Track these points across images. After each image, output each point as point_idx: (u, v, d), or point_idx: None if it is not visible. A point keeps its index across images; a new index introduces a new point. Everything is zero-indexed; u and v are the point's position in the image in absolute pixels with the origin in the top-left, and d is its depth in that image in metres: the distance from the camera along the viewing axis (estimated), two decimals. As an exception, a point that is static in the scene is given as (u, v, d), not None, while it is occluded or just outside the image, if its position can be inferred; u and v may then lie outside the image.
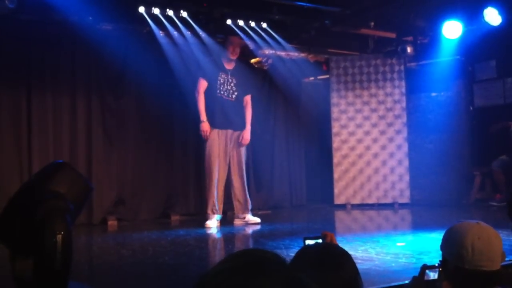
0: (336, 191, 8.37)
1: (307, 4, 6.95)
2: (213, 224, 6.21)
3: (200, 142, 7.65)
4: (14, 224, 2.35)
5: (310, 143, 9.17)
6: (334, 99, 8.51)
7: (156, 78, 7.15)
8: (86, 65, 6.88)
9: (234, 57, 6.51)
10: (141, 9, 6.53)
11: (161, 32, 6.86)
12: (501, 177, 7.60)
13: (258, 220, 6.45)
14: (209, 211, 6.26)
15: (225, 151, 6.39)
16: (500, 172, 7.60)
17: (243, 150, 6.50)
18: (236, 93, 6.49)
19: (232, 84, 6.49)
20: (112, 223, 6.81)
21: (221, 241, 5.45)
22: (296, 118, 8.85)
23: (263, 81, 8.38)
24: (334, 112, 8.47)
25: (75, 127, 6.78)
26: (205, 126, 6.30)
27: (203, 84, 6.38)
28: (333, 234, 1.88)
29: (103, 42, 6.51)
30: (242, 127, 6.50)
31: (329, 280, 1.52)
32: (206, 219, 6.27)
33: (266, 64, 8.25)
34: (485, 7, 6.97)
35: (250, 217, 6.45)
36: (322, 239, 2.01)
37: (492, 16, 6.95)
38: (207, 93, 6.40)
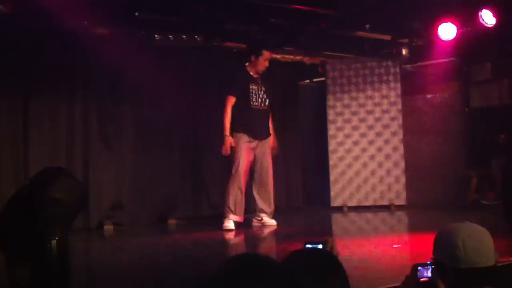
0: (332, 193, 8.38)
1: (303, 7, 6.96)
2: (231, 225, 6.23)
3: (198, 146, 7.67)
4: (11, 230, 2.35)
5: (307, 146, 9.17)
6: (330, 101, 8.52)
7: (153, 82, 7.15)
8: (83, 69, 6.87)
9: (263, 70, 6.56)
10: (137, 14, 6.52)
11: (157, 36, 6.85)
12: (499, 176, 7.62)
13: (275, 223, 6.49)
14: (229, 208, 6.27)
15: (254, 159, 6.45)
16: (498, 171, 7.62)
17: (270, 156, 6.60)
18: (267, 101, 6.56)
19: (263, 92, 6.52)
20: (108, 227, 6.79)
21: (218, 244, 5.45)
22: (293, 121, 8.85)
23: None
24: (330, 114, 8.49)
25: (72, 131, 6.77)
26: (228, 140, 6.29)
27: (231, 101, 6.39)
28: (334, 239, 1.88)
29: (99, 47, 6.51)
30: (268, 134, 6.60)
31: (321, 286, 1.52)
32: (224, 219, 6.28)
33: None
34: (480, 8, 6.98)
35: (267, 220, 6.49)
36: (323, 244, 2.01)
37: (487, 18, 6.96)
38: (241, 106, 6.39)
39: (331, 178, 8.39)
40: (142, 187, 7.19)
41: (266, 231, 6.29)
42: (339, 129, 8.43)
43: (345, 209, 8.25)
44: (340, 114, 8.45)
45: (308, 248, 1.81)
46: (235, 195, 6.23)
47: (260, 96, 6.50)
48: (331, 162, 8.41)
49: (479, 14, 6.95)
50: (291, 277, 0.98)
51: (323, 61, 8.68)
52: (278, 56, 8.06)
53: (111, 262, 4.75)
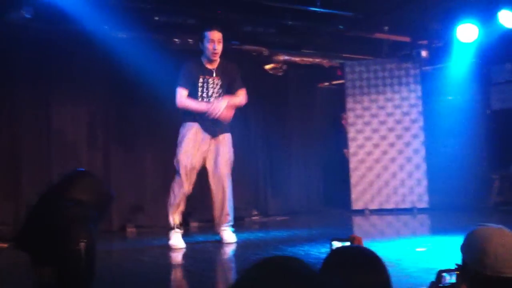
0: (353, 196, 8.33)
1: (320, 9, 6.95)
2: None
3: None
4: (37, 232, 2.37)
5: (326, 149, 9.15)
6: (350, 104, 8.49)
7: (172, 85, 7.18)
8: (103, 73, 6.92)
9: (215, 57, 5.58)
10: (157, 18, 6.56)
11: (176, 39, 6.88)
12: None
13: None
14: None
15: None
16: None
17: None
18: (222, 95, 5.65)
19: (218, 86, 5.66)
20: (131, 230, 6.84)
21: (240, 247, 5.44)
22: (312, 124, 8.84)
23: (278, 87, 8.38)
24: (350, 117, 8.45)
25: (93, 135, 6.84)
26: (208, 105, 5.50)
27: (182, 93, 5.57)
28: (361, 238, 1.85)
29: (119, 50, 6.57)
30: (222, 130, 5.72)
31: (362, 285, 1.49)
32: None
33: (281, 70, 8.24)
34: (500, 9, 6.92)
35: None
36: (350, 242, 1.99)
37: (507, 18, 6.90)
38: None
39: (352, 180, 8.34)
40: (163, 190, 7.21)
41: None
42: (359, 131, 8.39)
43: (367, 212, 8.20)
44: (360, 116, 8.41)
45: (349, 246, 1.79)
46: None
47: (212, 90, 5.63)
48: (351, 165, 8.37)
49: (499, 14, 6.89)
50: (324, 278, 0.97)
51: (342, 64, 8.65)
52: (297, 59, 8.06)
53: (133, 265, 4.76)
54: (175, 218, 5.55)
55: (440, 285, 1.97)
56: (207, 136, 5.58)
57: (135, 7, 6.42)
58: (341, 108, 8.72)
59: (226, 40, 7.07)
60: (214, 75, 5.64)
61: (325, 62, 8.53)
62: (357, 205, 8.30)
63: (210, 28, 5.54)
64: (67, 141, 6.63)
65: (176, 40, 6.88)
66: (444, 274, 1.95)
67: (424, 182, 8.16)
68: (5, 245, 5.89)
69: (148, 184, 7.13)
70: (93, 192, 2.44)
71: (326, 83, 9.57)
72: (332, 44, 8.08)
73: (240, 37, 7.35)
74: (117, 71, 6.90)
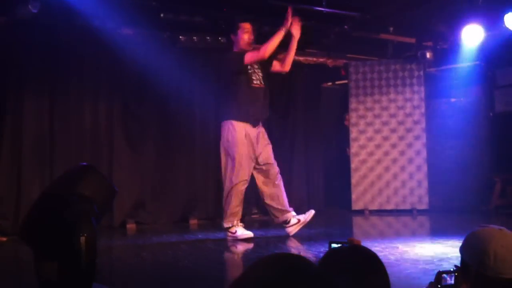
0: (354, 196, 8.35)
1: (327, 9, 6.95)
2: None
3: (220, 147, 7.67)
4: (40, 226, 2.38)
5: (328, 148, 9.16)
6: (353, 104, 8.49)
7: (177, 83, 7.21)
8: (108, 69, 6.95)
9: (250, 47, 5.75)
10: (162, 15, 6.57)
11: (181, 37, 6.90)
12: None
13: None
14: None
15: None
16: None
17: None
18: (266, 77, 5.82)
19: (260, 71, 5.79)
20: (131, 226, 6.87)
21: (240, 245, 5.46)
22: (315, 123, 8.85)
23: (282, 86, 8.39)
24: (353, 117, 8.46)
25: (97, 131, 6.86)
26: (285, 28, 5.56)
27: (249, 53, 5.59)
28: (359, 241, 1.85)
29: (124, 47, 6.59)
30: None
31: (360, 285, 1.49)
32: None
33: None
34: (506, 12, 6.91)
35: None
36: (348, 244, 1.99)
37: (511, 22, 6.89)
38: (240, 87, 5.63)
39: (353, 181, 8.36)
40: (165, 187, 7.25)
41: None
42: (361, 132, 8.40)
43: (367, 212, 8.21)
44: (363, 117, 8.42)
45: (345, 246, 1.79)
46: None
47: (259, 75, 5.77)
48: (352, 165, 8.38)
49: (504, 17, 6.89)
50: (330, 278, 0.96)
51: (346, 64, 8.66)
52: (301, 59, 8.05)
53: (133, 260, 4.79)
54: None
55: (438, 286, 1.97)
56: None
57: (141, 4, 6.44)
58: (345, 108, 8.72)
59: (231, 39, 7.10)
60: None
61: (329, 62, 8.53)
62: (357, 205, 8.31)
63: (244, 20, 5.80)
64: (70, 135, 6.64)
65: (182, 37, 6.90)
66: (443, 275, 1.96)
67: (425, 184, 8.17)
68: (5, 238, 5.92)
69: (149, 181, 7.15)
70: (96, 187, 2.45)
71: (330, 83, 9.58)
72: (337, 44, 8.07)
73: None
74: (122, 67, 6.93)
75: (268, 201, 5.74)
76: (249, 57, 5.56)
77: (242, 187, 5.55)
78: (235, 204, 5.53)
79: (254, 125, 5.69)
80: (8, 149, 6.28)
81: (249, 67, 5.67)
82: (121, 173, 6.86)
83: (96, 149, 6.83)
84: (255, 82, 5.72)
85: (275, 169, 5.79)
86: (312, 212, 5.79)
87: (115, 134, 6.93)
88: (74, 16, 6.15)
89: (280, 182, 5.80)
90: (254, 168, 5.68)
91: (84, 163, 2.52)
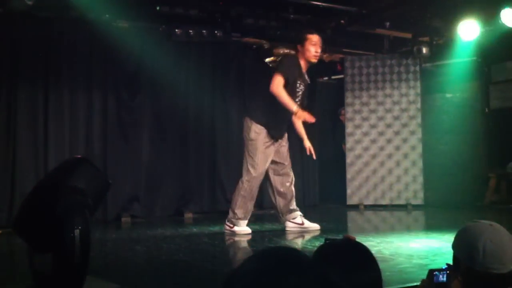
0: (349, 191, 8.35)
1: (323, 4, 6.94)
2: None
3: (214, 140, 7.69)
4: (33, 219, 2.38)
5: (324, 143, 9.15)
6: (348, 99, 8.49)
7: (171, 75, 7.19)
8: (103, 62, 6.92)
9: (316, 60, 5.65)
10: (158, 8, 6.55)
11: (177, 30, 6.88)
12: None
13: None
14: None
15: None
16: None
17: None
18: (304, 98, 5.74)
19: (302, 91, 5.67)
20: (125, 219, 6.86)
21: (235, 239, 5.46)
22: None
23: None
24: (348, 112, 8.46)
25: (91, 123, 6.84)
26: (299, 111, 5.43)
27: (281, 81, 5.42)
28: (355, 238, 1.86)
29: (119, 40, 6.57)
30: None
31: (353, 279, 1.49)
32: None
33: None
34: (502, 8, 6.91)
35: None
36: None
37: (509, 17, 6.89)
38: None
39: (348, 176, 8.36)
40: (159, 180, 7.24)
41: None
42: (357, 126, 8.40)
43: (361, 207, 8.22)
44: (358, 112, 8.41)
45: (339, 240, 1.79)
46: None
47: (302, 97, 5.69)
48: (348, 160, 8.38)
49: (501, 13, 6.89)
50: (322, 270, 0.96)
51: (342, 58, 8.65)
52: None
53: (127, 254, 4.78)
54: None
55: (432, 284, 1.98)
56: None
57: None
58: (340, 103, 8.72)
59: (227, 33, 7.09)
60: (305, 78, 5.68)
61: (325, 57, 8.51)
62: (352, 200, 8.32)
63: (313, 32, 5.66)
64: (64, 128, 6.62)
65: (177, 30, 6.87)
66: (435, 273, 1.96)
67: (420, 179, 8.18)
68: (0, 231, 5.90)
69: (144, 174, 7.14)
70: (90, 180, 2.45)
71: (326, 78, 9.57)
72: (333, 39, 8.06)
73: (241, 29, 7.34)
74: (117, 60, 6.91)
75: (278, 198, 5.73)
76: (276, 84, 5.41)
77: (257, 183, 5.56)
78: (247, 198, 5.53)
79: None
80: (2, 141, 6.26)
81: (298, 83, 5.57)
82: (115, 166, 6.85)
83: (90, 142, 6.81)
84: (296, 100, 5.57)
85: (289, 169, 5.82)
86: (317, 228, 5.81)
87: (109, 126, 6.91)
88: (69, 8, 6.12)
89: (292, 182, 5.81)
90: (269, 166, 5.67)
91: (78, 156, 2.52)
